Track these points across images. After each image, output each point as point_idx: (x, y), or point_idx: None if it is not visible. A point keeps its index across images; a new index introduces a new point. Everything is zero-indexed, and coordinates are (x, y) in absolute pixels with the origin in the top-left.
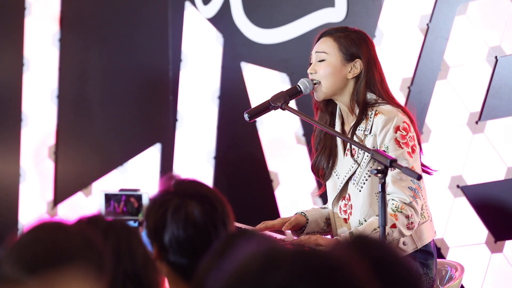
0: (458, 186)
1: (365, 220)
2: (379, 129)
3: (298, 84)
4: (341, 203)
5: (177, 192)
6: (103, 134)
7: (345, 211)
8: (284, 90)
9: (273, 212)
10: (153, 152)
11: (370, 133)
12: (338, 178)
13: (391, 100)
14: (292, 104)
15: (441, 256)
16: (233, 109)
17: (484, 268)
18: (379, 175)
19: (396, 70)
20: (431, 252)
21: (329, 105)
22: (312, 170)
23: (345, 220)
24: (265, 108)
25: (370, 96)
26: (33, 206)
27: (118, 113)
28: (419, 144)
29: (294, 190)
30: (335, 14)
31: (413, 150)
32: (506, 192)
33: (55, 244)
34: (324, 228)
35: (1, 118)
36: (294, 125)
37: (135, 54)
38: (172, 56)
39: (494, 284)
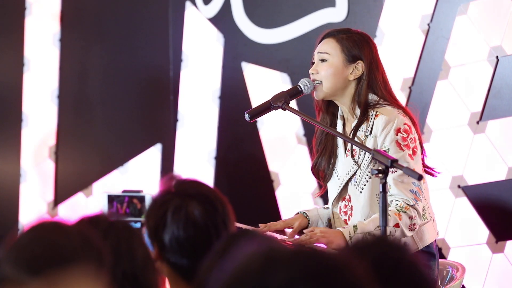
0: (459, 186)
1: None
2: (380, 130)
3: (298, 84)
4: (341, 204)
5: (178, 192)
6: (103, 134)
7: (345, 212)
8: (285, 90)
9: (274, 213)
10: (154, 152)
11: (370, 134)
12: (339, 179)
13: (394, 102)
14: (293, 104)
15: (442, 256)
16: (234, 109)
17: (485, 268)
18: (380, 175)
19: (397, 70)
20: (433, 253)
21: (330, 106)
22: (312, 172)
23: (345, 221)
24: (265, 108)
25: (372, 97)
26: (34, 207)
27: (118, 113)
28: (421, 145)
29: (295, 191)
30: (336, 14)
31: (414, 152)
32: (507, 192)
33: (54, 244)
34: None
35: (2, 118)
36: (295, 125)
37: (135, 54)
38: (172, 56)
39: (495, 284)
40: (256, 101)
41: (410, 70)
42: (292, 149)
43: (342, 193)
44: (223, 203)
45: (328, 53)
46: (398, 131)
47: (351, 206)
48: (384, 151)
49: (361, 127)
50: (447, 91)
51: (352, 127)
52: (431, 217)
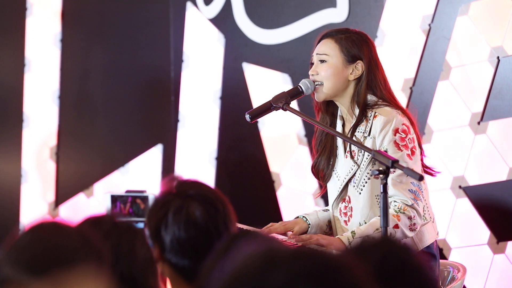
0: (460, 187)
1: (365, 222)
2: (378, 131)
3: (299, 84)
4: (341, 205)
5: (179, 193)
6: (104, 135)
7: (345, 213)
8: (286, 90)
9: (275, 213)
10: (155, 153)
11: (369, 135)
12: (339, 179)
13: (393, 102)
14: (294, 104)
15: (443, 257)
16: (235, 109)
17: (486, 269)
18: (381, 176)
19: (398, 71)
20: (434, 254)
21: (329, 106)
22: (312, 172)
23: (345, 222)
24: (266, 108)
25: (371, 97)
26: (35, 207)
27: (119, 113)
28: (420, 146)
29: (296, 191)
30: (337, 15)
31: (413, 152)
32: (508, 193)
33: (54, 244)
34: (327, 231)
35: (3, 118)
36: (296, 126)
37: (136, 54)
38: (173, 56)
39: (496, 285)
40: (257, 101)
41: (411, 71)
42: (293, 150)
43: (342, 194)
44: (224, 203)
45: (327, 54)
46: (396, 131)
47: (351, 207)
48: (384, 151)
49: (360, 128)
50: (448, 91)
51: (351, 127)
52: (430, 218)
